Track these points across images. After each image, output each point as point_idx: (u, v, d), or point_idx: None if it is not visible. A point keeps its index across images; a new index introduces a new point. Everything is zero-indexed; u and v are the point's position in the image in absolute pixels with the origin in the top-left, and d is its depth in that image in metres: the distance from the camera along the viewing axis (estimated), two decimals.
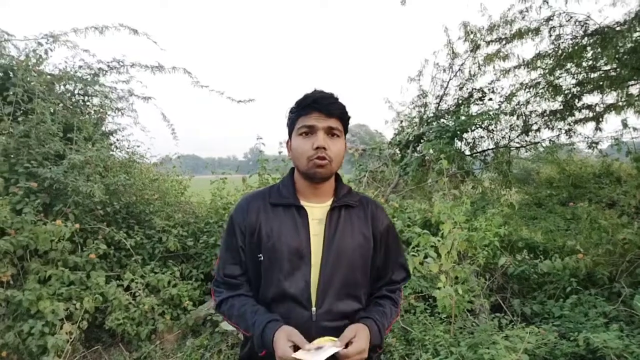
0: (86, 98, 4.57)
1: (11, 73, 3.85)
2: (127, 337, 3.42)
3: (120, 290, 3.44)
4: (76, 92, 4.46)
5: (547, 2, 4.79)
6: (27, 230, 3.14)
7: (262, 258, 1.25)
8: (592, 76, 5.37)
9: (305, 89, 1.37)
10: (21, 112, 3.66)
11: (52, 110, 3.81)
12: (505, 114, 6.04)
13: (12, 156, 3.51)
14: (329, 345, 1.12)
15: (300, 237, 1.24)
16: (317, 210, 1.29)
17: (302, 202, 1.29)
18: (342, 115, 1.27)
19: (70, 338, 3.04)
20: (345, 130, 1.31)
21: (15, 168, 3.43)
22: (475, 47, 5.67)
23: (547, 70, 5.44)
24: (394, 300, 1.38)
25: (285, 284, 1.22)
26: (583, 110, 5.74)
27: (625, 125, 5.07)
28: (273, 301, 1.24)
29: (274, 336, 1.14)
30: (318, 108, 1.22)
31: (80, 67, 4.38)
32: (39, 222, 3.24)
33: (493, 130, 6.23)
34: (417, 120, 6.41)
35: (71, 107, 4.27)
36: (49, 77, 4.12)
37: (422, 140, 6.10)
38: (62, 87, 4.35)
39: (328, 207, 1.29)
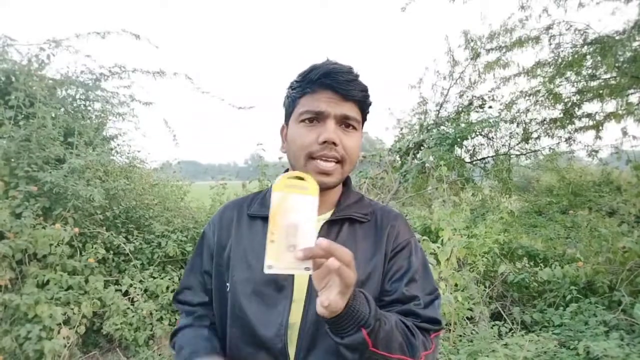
0: (87, 103, 4.59)
1: (13, 77, 3.87)
2: (124, 343, 3.41)
3: (118, 295, 3.43)
4: (78, 96, 4.48)
5: (547, 11, 4.86)
6: (26, 234, 3.13)
7: (229, 288, 0.94)
8: (591, 84, 5.40)
9: None
10: (22, 116, 3.67)
11: (53, 115, 3.83)
12: (505, 121, 6.07)
13: (12, 160, 3.51)
14: None
15: None
16: None
17: None
18: (362, 100, 0.91)
19: (68, 343, 3.02)
20: (364, 122, 0.97)
21: (15, 172, 3.43)
22: (476, 55, 5.71)
23: (547, 79, 5.47)
24: (409, 332, 0.83)
25: (258, 326, 0.88)
26: (583, 119, 5.76)
27: (625, 133, 5.10)
28: (243, 348, 0.92)
29: None
30: (331, 86, 0.87)
31: (82, 72, 4.40)
32: (38, 226, 3.23)
33: (493, 138, 6.25)
34: (417, 127, 6.43)
35: (72, 111, 4.29)
36: (50, 81, 4.14)
37: (422, 147, 6.12)
38: (63, 91, 4.37)
39: (324, 221, 0.94)
